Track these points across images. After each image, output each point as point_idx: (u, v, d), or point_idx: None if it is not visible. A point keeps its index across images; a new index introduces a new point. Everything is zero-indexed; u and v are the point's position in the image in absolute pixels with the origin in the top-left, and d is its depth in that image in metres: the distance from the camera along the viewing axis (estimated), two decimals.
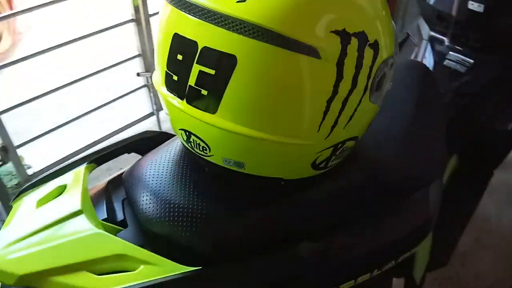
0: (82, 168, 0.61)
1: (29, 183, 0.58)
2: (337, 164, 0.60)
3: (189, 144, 0.55)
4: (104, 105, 1.92)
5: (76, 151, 1.85)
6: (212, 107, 0.48)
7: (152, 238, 0.55)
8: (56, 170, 0.61)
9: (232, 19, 0.44)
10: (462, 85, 1.09)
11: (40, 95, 1.70)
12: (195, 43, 0.46)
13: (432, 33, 1.20)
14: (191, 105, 0.50)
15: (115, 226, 0.58)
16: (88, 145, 1.89)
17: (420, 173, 0.73)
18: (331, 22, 0.46)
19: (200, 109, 0.49)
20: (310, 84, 0.47)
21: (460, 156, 1.12)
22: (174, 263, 0.50)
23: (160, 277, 0.49)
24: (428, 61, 1.18)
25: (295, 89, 0.48)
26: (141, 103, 2.10)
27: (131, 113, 2.09)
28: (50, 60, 2.68)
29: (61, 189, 0.57)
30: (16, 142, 1.60)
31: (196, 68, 0.47)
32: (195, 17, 0.46)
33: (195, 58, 0.46)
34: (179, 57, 0.48)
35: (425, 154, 0.76)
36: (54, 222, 0.51)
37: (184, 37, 0.47)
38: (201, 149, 0.54)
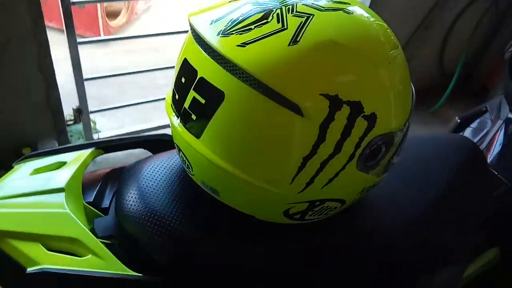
0: (88, 151, 0.65)
1: (37, 151, 0.64)
2: (322, 219, 0.58)
3: (181, 159, 0.58)
4: None
5: (148, 128, 1.94)
6: (198, 132, 0.51)
7: (122, 233, 0.57)
8: (66, 147, 0.66)
9: (227, 60, 0.46)
10: None
11: (132, 72, 1.84)
12: (195, 72, 0.49)
13: (511, 116, 1.11)
14: (183, 124, 0.53)
15: (95, 211, 0.61)
16: (161, 126, 1.97)
17: (426, 257, 0.67)
18: (322, 85, 0.46)
19: (189, 131, 0.52)
20: (288, 138, 0.47)
21: (503, 250, 1.02)
22: (120, 263, 0.52)
23: (100, 270, 0.51)
24: (499, 141, 1.09)
25: (273, 138, 0.48)
26: None
27: None
28: (156, 42, 2.89)
29: (60, 165, 0.62)
30: (92, 107, 1.75)
31: (191, 94, 0.50)
32: (202, 49, 0.49)
33: (192, 85, 0.49)
34: (183, 79, 0.51)
35: (438, 238, 0.70)
36: (35, 192, 0.55)
37: (190, 64, 0.50)
38: (186, 166, 0.56)
